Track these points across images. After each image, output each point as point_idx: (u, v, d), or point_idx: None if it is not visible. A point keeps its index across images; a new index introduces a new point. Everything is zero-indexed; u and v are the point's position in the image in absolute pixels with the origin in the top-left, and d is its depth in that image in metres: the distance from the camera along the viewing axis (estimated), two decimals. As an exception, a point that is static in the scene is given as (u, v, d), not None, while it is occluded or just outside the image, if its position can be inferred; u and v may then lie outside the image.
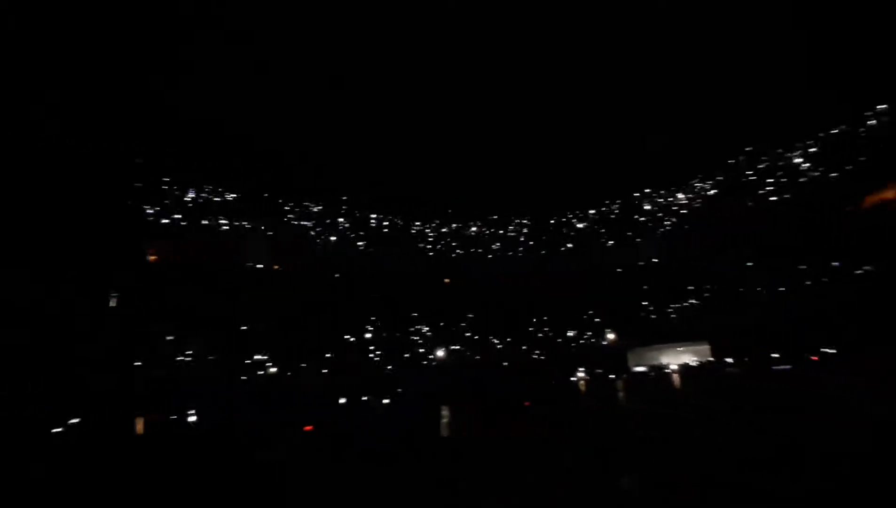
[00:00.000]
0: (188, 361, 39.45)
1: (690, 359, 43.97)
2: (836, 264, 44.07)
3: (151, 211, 47.25)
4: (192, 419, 30.17)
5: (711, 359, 43.36)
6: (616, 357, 45.05)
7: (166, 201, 48.06)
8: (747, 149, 63.79)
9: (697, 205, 62.12)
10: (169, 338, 38.65)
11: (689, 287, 49.61)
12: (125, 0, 47.99)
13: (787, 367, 35.84)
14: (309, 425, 26.26)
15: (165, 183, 49.35)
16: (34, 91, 40.57)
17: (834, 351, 35.02)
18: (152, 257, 45.03)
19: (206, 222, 49.38)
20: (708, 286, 49.30)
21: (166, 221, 47.68)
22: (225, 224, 50.74)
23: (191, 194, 50.38)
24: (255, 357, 42.61)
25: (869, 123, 54.07)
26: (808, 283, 44.50)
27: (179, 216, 48.72)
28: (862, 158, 51.75)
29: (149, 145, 48.64)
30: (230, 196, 52.30)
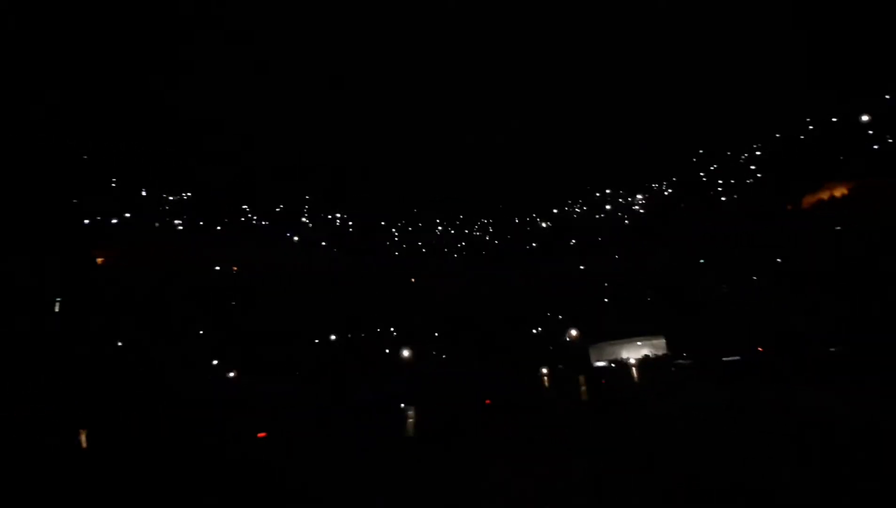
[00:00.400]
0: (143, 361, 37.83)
1: (648, 352, 45.77)
2: (779, 260, 46.89)
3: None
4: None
5: (667, 352, 45.22)
6: (579, 353, 46.35)
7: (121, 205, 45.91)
8: (700, 152, 67.20)
9: (654, 205, 64.82)
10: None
11: (647, 284, 51.58)
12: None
13: (737, 358, 37.88)
14: (262, 431, 25.59)
15: (115, 182, 47.00)
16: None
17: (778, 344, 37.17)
18: (100, 260, 42.93)
19: (157, 223, 47.37)
20: (665, 284, 51.40)
21: (116, 221, 45.46)
22: (180, 224, 48.84)
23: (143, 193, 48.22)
24: (214, 363, 41.28)
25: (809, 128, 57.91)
26: (755, 279, 47.14)
27: (129, 216, 46.53)
28: (802, 161, 55.39)
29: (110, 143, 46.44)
30: (186, 195, 50.37)
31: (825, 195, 50.57)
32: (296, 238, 57.40)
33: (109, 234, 44.52)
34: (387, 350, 48.51)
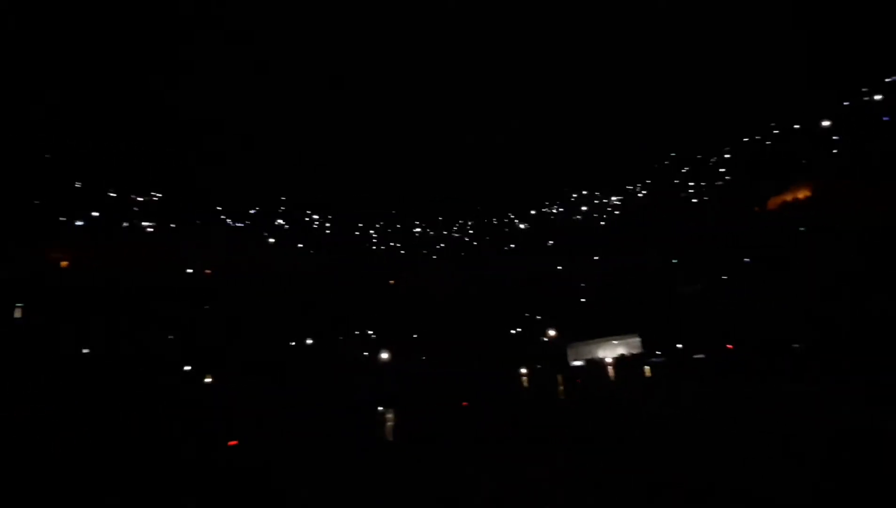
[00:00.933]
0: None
1: (624, 351, 46.65)
2: (747, 260, 48.41)
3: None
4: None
5: (642, 351, 46.18)
6: (557, 353, 46.89)
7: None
8: (672, 154, 69.10)
9: (629, 207, 66.29)
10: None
11: (622, 284, 52.56)
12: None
13: (702, 356, 39.13)
14: (233, 440, 25.06)
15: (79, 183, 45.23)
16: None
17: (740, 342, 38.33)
18: (64, 263, 41.35)
19: (125, 224, 45.75)
20: (639, 283, 52.46)
21: (80, 223, 43.70)
22: (149, 226, 47.26)
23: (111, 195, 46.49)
24: (186, 368, 40.17)
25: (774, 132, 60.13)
26: (725, 278, 48.56)
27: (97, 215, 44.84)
28: (768, 163, 57.48)
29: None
30: (156, 196, 48.83)
31: (790, 197, 52.62)
32: (272, 239, 56.46)
33: (75, 235, 42.77)
34: (365, 353, 48.09)
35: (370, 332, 49.40)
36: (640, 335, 46.15)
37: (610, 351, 46.47)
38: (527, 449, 16.20)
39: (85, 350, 35.68)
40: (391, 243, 65.55)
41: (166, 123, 50.23)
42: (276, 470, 19.79)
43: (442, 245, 65.61)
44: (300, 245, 57.95)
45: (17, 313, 33.97)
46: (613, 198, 70.20)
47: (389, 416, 32.51)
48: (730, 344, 39.80)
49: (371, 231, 63.60)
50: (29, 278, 36.36)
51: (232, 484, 17.34)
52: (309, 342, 47.22)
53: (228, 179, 57.08)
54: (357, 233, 62.94)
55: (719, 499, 9.92)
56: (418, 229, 66.20)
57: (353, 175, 67.53)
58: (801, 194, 52.03)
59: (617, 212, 69.10)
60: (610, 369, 42.76)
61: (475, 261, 63.40)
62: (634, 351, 46.62)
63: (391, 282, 57.44)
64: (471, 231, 67.74)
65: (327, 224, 61.27)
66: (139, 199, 48.30)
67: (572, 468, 13.09)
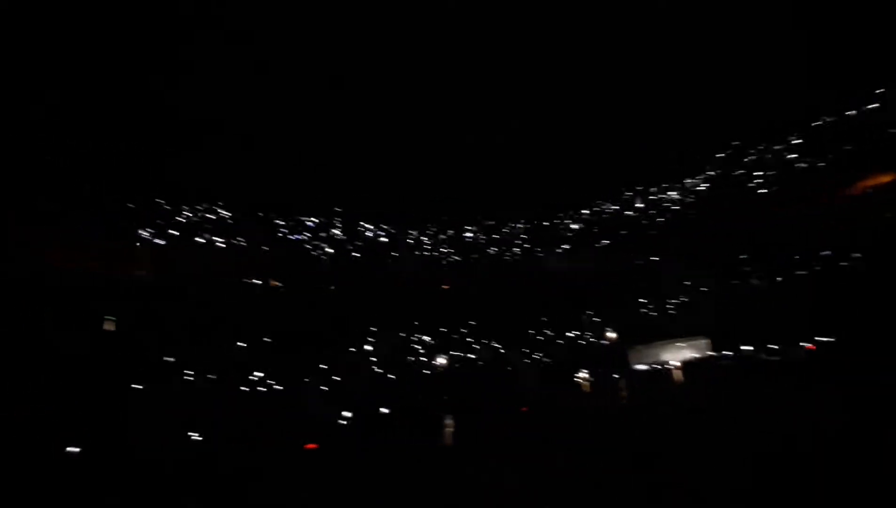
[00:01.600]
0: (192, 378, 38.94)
1: (691, 354, 44.46)
2: (827, 253, 44.80)
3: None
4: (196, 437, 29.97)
5: (712, 353, 43.88)
6: (617, 356, 45.47)
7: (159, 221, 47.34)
8: (734, 143, 65.01)
9: (690, 200, 63.08)
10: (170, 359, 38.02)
11: (685, 282, 50.20)
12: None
13: (778, 358, 36.67)
14: (312, 443, 26.16)
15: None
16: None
17: (831, 340, 35.60)
18: (143, 271, 44.22)
19: (200, 239, 49.08)
20: (703, 282, 49.91)
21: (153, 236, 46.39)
22: (221, 242, 50.50)
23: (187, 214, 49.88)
24: (256, 374, 42.35)
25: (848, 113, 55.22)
26: (800, 274, 45.21)
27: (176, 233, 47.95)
28: (847, 148, 52.88)
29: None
30: (225, 214, 52.09)
31: (860, 189, 48.39)
32: (329, 250, 58.45)
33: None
34: (423, 358, 48.80)
35: (427, 338, 50.11)
36: (707, 336, 43.82)
37: (675, 354, 44.41)
38: (590, 458, 15.89)
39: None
40: (442, 249, 66.24)
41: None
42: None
43: (494, 249, 65.55)
44: (355, 255, 59.77)
45: (110, 327, 37.13)
46: (671, 193, 67.16)
47: (449, 422, 32.91)
48: (810, 344, 37.06)
49: (423, 237, 64.64)
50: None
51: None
52: (367, 347, 48.55)
53: (290, 189, 59.26)
54: (411, 241, 64.09)
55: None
56: (469, 234, 66.55)
57: (398, 180, 68.33)
58: (877, 185, 47.55)
59: (676, 207, 66.02)
60: (676, 372, 40.97)
61: (528, 264, 62.78)
62: (702, 353, 44.35)
63: (444, 287, 58.02)
64: (523, 235, 67.18)
65: (380, 233, 62.87)
66: (211, 216, 51.45)
67: (647, 479, 12.75)
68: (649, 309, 51.26)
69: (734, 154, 64.45)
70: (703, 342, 44.47)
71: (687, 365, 42.71)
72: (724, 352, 42.54)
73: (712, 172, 66.10)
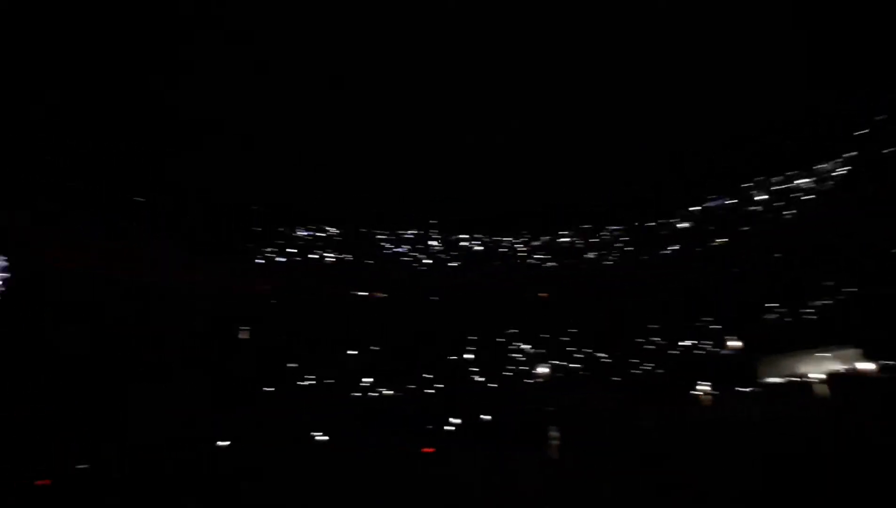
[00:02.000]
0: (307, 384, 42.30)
1: (836, 366, 38.51)
2: None
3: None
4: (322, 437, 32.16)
5: (861, 365, 37.71)
6: (743, 367, 40.89)
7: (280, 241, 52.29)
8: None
9: (824, 189, 54.97)
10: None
11: (828, 283, 43.74)
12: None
13: None
14: (429, 447, 26.86)
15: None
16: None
17: None
18: (264, 289, 49.04)
19: (314, 256, 53.34)
20: (848, 282, 43.15)
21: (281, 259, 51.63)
22: (331, 257, 54.48)
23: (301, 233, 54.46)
24: (364, 380, 44.83)
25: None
26: None
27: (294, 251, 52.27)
28: None
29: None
30: (333, 231, 56.09)
31: None
32: (428, 261, 60.25)
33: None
34: (523, 367, 48.12)
35: (527, 346, 49.33)
36: (860, 346, 37.65)
37: (816, 366, 38.70)
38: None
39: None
40: (537, 255, 64.89)
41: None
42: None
43: (592, 254, 62.71)
44: (452, 265, 60.80)
45: (245, 335, 41.46)
46: (799, 181, 59.11)
47: (555, 435, 31.90)
48: None
49: (517, 244, 63.90)
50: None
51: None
52: (468, 356, 49.02)
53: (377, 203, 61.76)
54: (504, 249, 63.71)
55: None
56: (566, 239, 64.39)
57: (494, 188, 67.89)
58: None
59: (804, 197, 57.94)
60: (820, 386, 35.58)
61: (631, 267, 59.09)
62: (850, 366, 38.17)
63: (543, 295, 56.72)
64: (623, 238, 63.42)
65: (475, 242, 63.35)
66: (320, 235, 55.74)
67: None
68: (781, 314, 45.35)
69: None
70: (852, 352, 38.31)
71: (833, 378, 37.06)
72: (879, 363, 36.38)
73: (850, 155, 56.97)
